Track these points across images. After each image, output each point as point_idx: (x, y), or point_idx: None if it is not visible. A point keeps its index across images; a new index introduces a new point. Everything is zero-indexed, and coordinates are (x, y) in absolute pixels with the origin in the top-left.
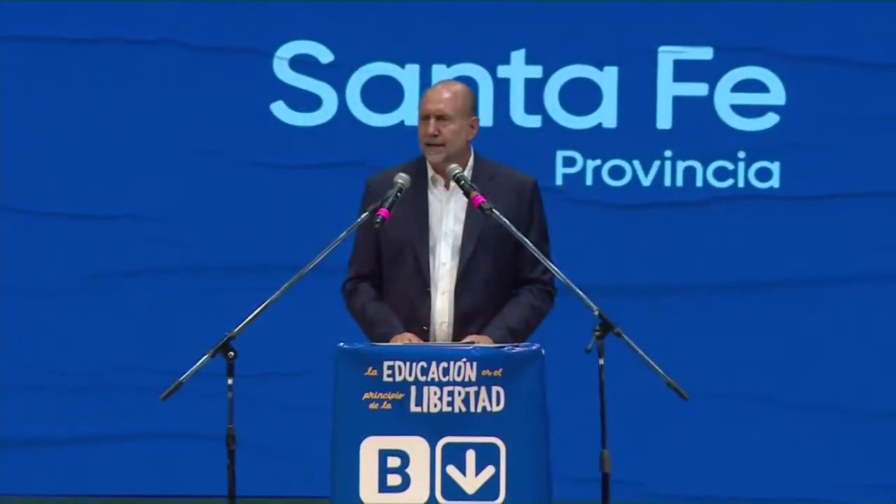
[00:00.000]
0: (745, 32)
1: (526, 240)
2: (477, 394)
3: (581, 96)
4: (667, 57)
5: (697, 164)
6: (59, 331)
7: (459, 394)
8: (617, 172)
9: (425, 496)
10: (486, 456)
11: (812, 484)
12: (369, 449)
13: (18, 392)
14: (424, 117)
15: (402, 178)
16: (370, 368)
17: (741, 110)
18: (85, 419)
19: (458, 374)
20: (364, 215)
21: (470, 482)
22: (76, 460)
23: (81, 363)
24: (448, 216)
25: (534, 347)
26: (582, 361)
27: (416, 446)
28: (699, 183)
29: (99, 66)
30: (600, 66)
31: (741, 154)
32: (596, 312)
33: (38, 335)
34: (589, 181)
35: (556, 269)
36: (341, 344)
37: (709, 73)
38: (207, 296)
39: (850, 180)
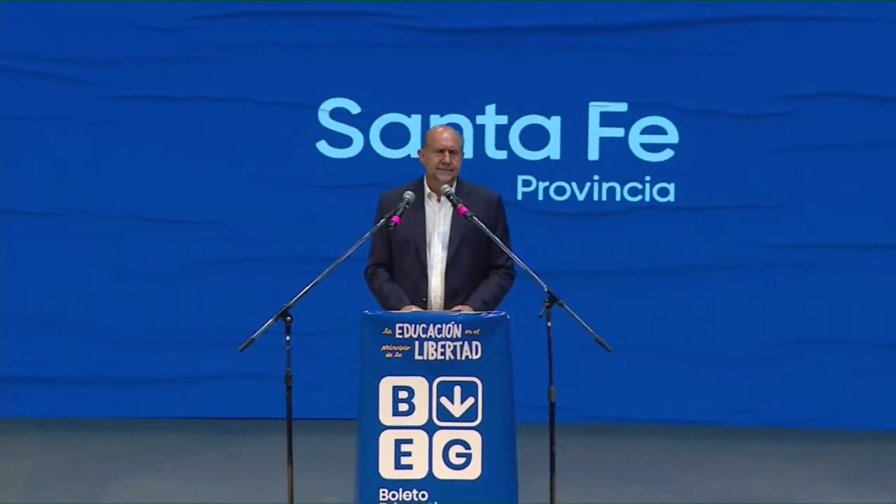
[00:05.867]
0: (650, 92)
1: (496, 238)
2: (462, 347)
3: (534, 137)
4: (595, 109)
5: (617, 185)
6: (166, 302)
7: (449, 347)
8: (560, 191)
9: (425, 418)
10: (468, 390)
11: (700, 410)
12: (386, 385)
13: (140, 345)
14: (440, 150)
15: (409, 195)
16: (386, 329)
17: (647, 147)
18: (185, 364)
19: (449, 333)
20: (382, 221)
21: (457, 408)
22: (180, 394)
23: (183, 325)
24: (440, 221)
25: (502, 314)
26: (535, 324)
27: (418, 383)
28: (618, 198)
29: (192, 117)
30: (548, 116)
31: (647, 178)
32: (545, 289)
33: (151, 306)
34: (540, 197)
35: (516, 258)
36: (366, 312)
37: (624, 120)
38: (271, 278)
39: (725, 196)
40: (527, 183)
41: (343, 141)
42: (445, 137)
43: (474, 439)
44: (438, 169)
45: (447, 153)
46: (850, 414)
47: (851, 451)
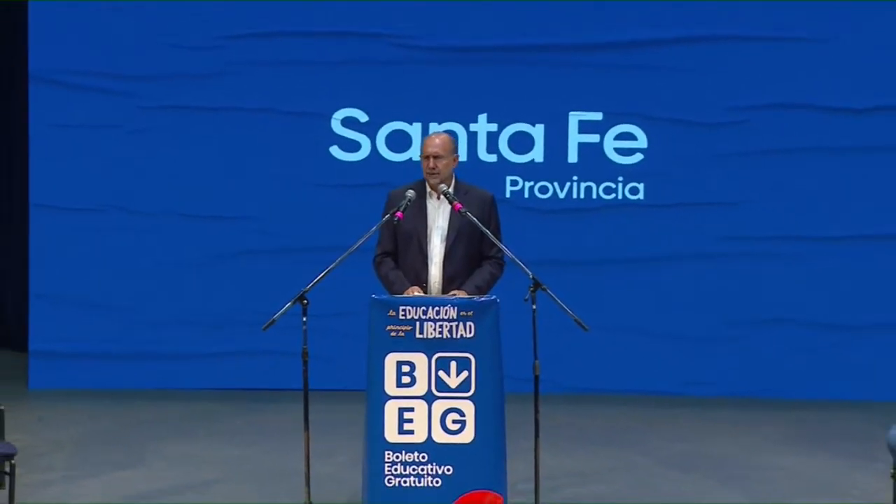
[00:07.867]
0: (622, 102)
1: (488, 232)
2: (457, 326)
3: (520, 142)
4: (574, 118)
5: (593, 185)
6: (199, 288)
7: (446, 326)
8: (543, 189)
9: (425, 389)
10: (463, 365)
11: (666, 382)
12: (391, 360)
13: (176, 325)
14: (426, 157)
15: (410, 193)
16: (391, 311)
17: (620, 151)
18: (215, 342)
19: (446, 315)
20: (387, 216)
21: (453, 381)
22: (210, 368)
23: (213, 307)
24: (439, 217)
25: (493, 298)
26: (522, 307)
27: (419, 359)
28: (594, 196)
29: (222, 125)
30: (533, 123)
31: (620, 178)
32: (531, 276)
33: (186, 291)
34: (526, 195)
35: (506, 249)
36: (373, 296)
37: (599, 128)
38: (290, 266)
39: (689, 195)
40: (514, 183)
41: (353, 146)
42: (434, 144)
43: (468, 408)
44: (426, 173)
45: (431, 159)
46: (796, 385)
47: (796, 417)
